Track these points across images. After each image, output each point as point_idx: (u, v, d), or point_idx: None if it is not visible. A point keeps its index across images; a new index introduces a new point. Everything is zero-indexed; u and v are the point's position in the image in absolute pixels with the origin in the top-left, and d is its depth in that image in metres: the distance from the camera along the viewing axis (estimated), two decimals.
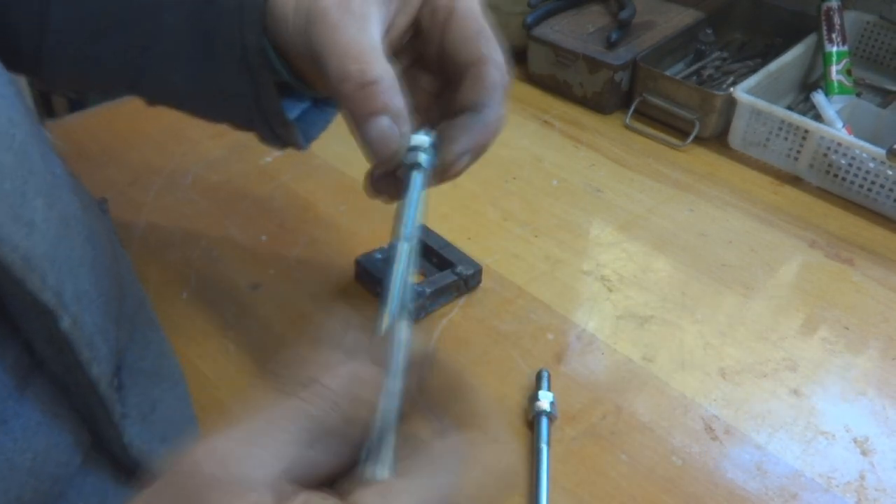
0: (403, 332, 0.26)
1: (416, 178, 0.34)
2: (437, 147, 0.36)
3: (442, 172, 0.36)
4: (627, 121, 0.79)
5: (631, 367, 0.53)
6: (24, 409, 0.30)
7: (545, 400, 0.48)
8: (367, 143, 0.35)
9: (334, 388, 0.24)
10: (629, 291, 0.59)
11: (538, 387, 0.50)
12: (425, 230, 0.57)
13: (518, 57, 0.90)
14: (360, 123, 0.35)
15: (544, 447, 0.46)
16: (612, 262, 0.62)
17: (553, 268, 0.62)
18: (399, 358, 0.26)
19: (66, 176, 0.37)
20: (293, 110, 0.45)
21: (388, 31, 0.37)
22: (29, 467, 0.29)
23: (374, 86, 0.34)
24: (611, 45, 0.79)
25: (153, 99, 0.47)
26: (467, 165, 0.38)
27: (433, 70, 0.41)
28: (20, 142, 0.32)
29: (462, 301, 0.57)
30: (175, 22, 0.41)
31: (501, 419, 0.49)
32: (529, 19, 0.84)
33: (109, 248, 0.40)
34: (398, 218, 0.32)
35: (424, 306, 0.55)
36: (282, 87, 0.42)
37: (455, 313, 0.57)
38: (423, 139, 0.35)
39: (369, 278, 0.57)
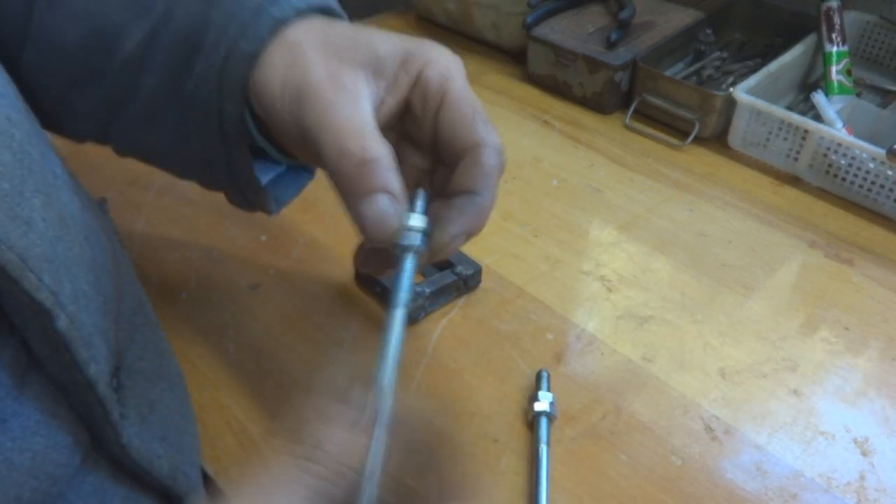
0: (388, 398, 0.29)
1: (411, 261, 0.34)
2: (429, 228, 0.36)
3: (435, 253, 0.36)
4: (627, 121, 0.79)
5: (631, 367, 0.53)
6: (23, 409, 0.30)
7: (545, 400, 0.48)
8: (363, 221, 0.34)
9: (337, 454, 0.28)
10: (629, 291, 0.59)
11: (538, 387, 0.50)
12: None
13: (518, 57, 0.90)
14: (356, 201, 0.34)
15: (544, 447, 0.46)
16: (612, 262, 0.62)
17: (553, 268, 0.62)
18: (384, 420, 0.29)
19: (66, 176, 0.37)
20: (267, 174, 0.45)
21: (377, 110, 0.37)
22: (28, 467, 0.29)
23: (373, 164, 0.34)
24: (611, 45, 0.79)
25: (122, 152, 0.47)
26: (459, 246, 0.37)
27: (424, 149, 0.40)
28: (19, 141, 0.32)
29: (462, 301, 0.57)
30: (153, 84, 0.41)
31: (501, 419, 0.49)
32: (529, 19, 0.84)
33: (109, 248, 0.40)
34: (391, 291, 0.33)
35: (424, 306, 0.54)
36: (256, 150, 0.42)
37: (455, 313, 0.57)
38: (418, 222, 0.35)
39: (369, 279, 0.57)
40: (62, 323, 0.30)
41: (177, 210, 0.65)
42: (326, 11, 0.40)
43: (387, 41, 0.38)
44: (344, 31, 0.38)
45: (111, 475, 0.35)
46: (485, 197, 0.37)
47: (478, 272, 0.57)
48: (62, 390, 0.32)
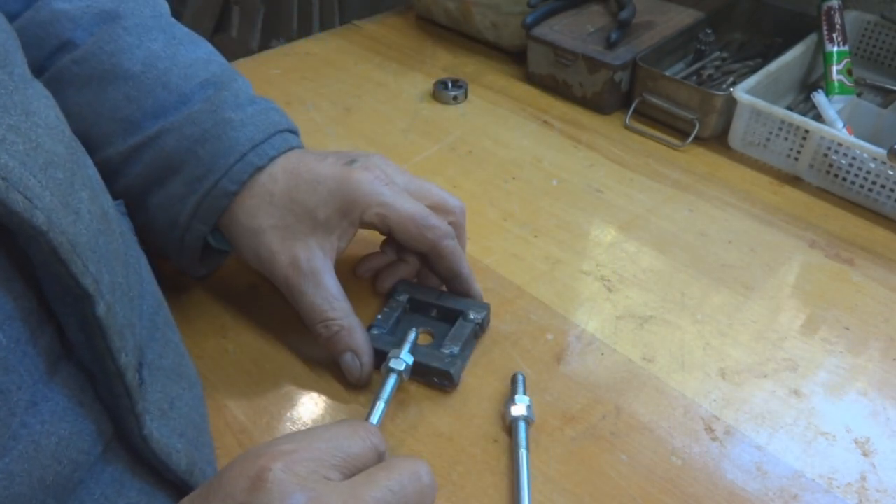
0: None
1: (392, 379, 0.48)
2: (410, 364, 0.49)
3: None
4: (627, 121, 0.79)
5: (631, 367, 0.53)
6: (53, 395, 0.31)
7: (521, 404, 0.48)
8: (340, 365, 0.50)
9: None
10: (629, 291, 0.59)
11: (513, 391, 0.49)
12: (411, 286, 0.55)
13: (518, 57, 0.90)
14: (334, 357, 0.50)
15: (524, 452, 0.46)
16: (611, 262, 0.62)
17: (553, 268, 0.61)
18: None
19: (98, 177, 0.39)
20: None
21: (339, 252, 0.51)
22: (53, 451, 0.30)
23: (337, 336, 0.49)
24: (611, 45, 0.79)
25: None
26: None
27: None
28: (69, 136, 0.34)
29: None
30: (124, 186, 0.51)
31: (501, 420, 0.49)
32: (529, 19, 0.83)
33: (135, 246, 0.43)
34: (375, 400, 0.47)
35: (460, 364, 0.51)
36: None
37: None
38: (400, 363, 0.48)
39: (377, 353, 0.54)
40: (101, 309, 0.31)
41: None
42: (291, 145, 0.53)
43: (323, 204, 0.49)
44: (295, 185, 0.50)
45: (130, 468, 0.36)
46: (465, 271, 0.54)
47: (488, 312, 0.54)
48: (91, 379, 0.33)
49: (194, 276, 0.55)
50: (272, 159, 0.50)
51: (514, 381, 0.50)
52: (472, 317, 0.53)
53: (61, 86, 0.50)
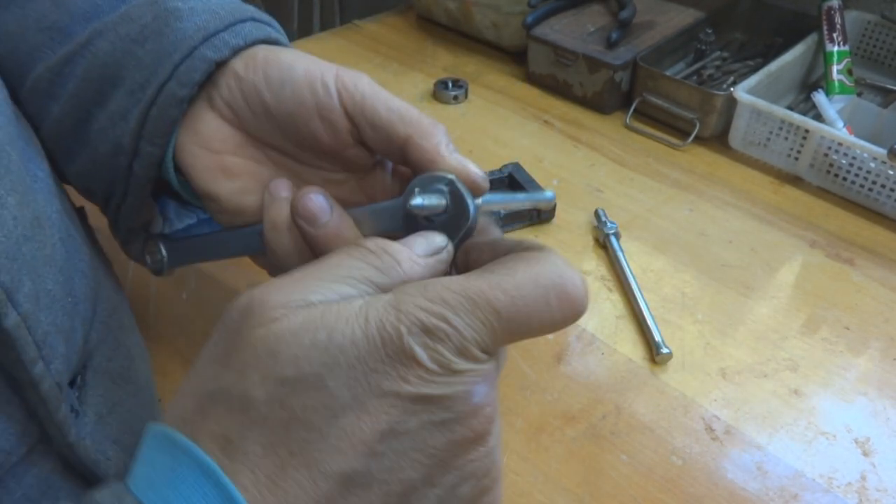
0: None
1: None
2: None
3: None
4: (627, 121, 0.79)
5: (631, 367, 0.53)
6: None
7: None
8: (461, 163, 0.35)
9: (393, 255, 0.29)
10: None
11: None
12: (518, 167, 0.64)
13: (518, 57, 0.90)
14: (447, 153, 0.35)
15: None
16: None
17: None
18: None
19: (49, 181, 0.37)
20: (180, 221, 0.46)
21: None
22: None
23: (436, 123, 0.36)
24: (611, 45, 0.79)
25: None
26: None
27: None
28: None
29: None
30: (59, 114, 0.41)
31: (501, 419, 0.49)
32: (529, 19, 0.83)
33: (87, 252, 0.40)
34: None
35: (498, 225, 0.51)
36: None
37: None
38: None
39: None
40: (10, 321, 0.30)
41: None
42: (267, 41, 0.40)
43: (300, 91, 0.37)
44: (281, 64, 0.37)
45: (59, 470, 0.35)
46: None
47: (552, 207, 0.55)
48: (10, 383, 0.32)
49: (158, 268, 0.44)
50: (236, 52, 0.38)
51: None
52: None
53: None
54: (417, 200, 0.32)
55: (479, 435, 0.26)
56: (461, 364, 0.25)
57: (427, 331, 0.24)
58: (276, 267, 0.37)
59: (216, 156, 0.38)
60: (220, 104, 0.38)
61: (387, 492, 0.25)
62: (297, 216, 0.35)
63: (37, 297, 0.32)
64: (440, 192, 0.33)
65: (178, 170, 0.39)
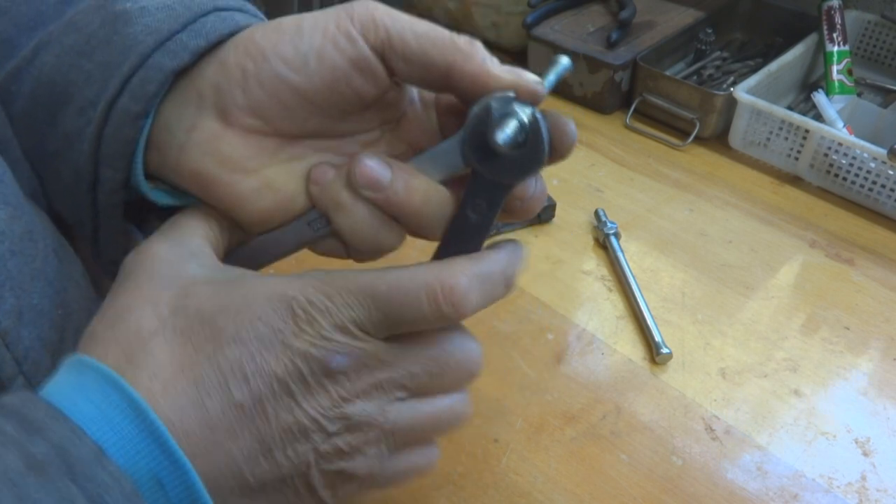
0: None
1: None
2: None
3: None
4: (627, 121, 0.79)
5: (631, 367, 0.53)
6: None
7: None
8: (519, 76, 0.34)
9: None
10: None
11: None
12: None
13: (518, 57, 0.90)
14: (501, 70, 0.33)
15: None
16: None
17: (553, 268, 0.61)
18: None
19: (39, 190, 0.37)
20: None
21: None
22: None
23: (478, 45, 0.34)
24: (611, 45, 0.79)
25: None
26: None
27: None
28: None
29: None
30: (13, 136, 0.36)
31: (501, 419, 0.49)
32: (529, 19, 0.83)
33: (79, 263, 0.39)
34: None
35: (496, 228, 0.51)
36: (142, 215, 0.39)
37: None
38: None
39: None
40: None
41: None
42: (236, 32, 0.34)
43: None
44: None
45: None
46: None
47: (551, 207, 0.54)
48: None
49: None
50: (198, 54, 0.32)
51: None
52: None
53: None
54: (503, 135, 0.31)
55: (335, 402, 0.30)
56: (332, 334, 0.29)
57: (312, 304, 0.30)
58: (355, 249, 0.35)
59: (255, 175, 0.33)
60: (238, 115, 0.32)
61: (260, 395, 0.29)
62: (361, 187, 0.33)
63: (19, 312, 0.31)
64: (512, 115, 0.32)
65: (217, 205, 0.35)
